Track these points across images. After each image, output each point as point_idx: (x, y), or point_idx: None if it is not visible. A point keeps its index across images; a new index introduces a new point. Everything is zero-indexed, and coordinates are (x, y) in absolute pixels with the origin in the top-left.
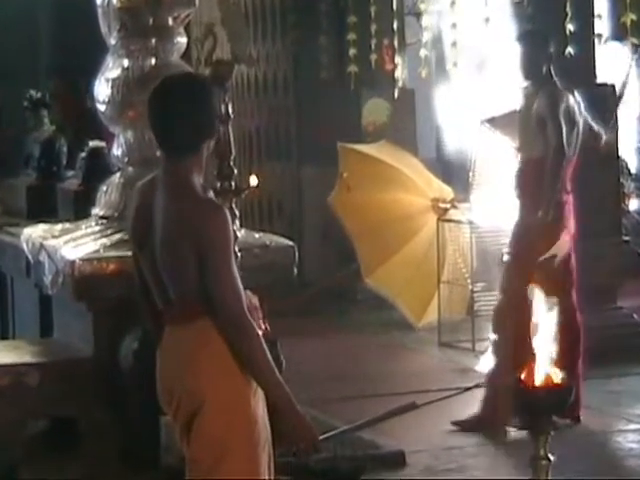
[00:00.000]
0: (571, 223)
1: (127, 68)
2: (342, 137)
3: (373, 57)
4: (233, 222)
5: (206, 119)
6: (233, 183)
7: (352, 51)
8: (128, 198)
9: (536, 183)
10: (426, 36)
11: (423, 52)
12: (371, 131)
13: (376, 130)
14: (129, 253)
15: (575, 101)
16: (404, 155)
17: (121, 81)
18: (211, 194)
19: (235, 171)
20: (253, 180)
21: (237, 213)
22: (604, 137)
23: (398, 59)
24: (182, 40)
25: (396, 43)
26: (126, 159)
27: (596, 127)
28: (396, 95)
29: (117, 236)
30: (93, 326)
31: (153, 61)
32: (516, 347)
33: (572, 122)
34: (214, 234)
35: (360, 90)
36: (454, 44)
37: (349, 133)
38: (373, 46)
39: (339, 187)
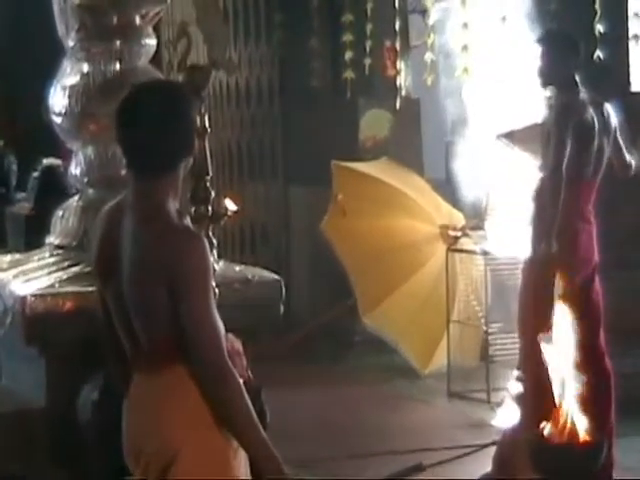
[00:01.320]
0: (591, 256)
1: (87, 74)
2: (336, 154)
3: (372, 62)
4: (211, 253)
5: (183, 134)
6: (210, 208)
7: (348, 55)
8: (88, 225)
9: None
10: (433, 37)
11: (429, 56)
12: (370, 147)
13: (376, 146)
14: (89, 288)
15: (602, 114)
16: (408, 175)
17: (80, 89)
18: (188, 221)
19: (212, 193)
20: (232, 204)
21: (215, 242)
22: (634, 165)
23: (401, 64)
24: (151, 42)
25: (398, 45)
26: (86, 179)
27: (627, 155)
28: (399, 105)
29: (75, 269)
30: (46, 373)
31: (117, 66)
32: (537, 397)
33: (589, 139)
34: (190, 268)
35: (357, 100)
36: (465, 47)
37: (344, 149)
38: (372, 49)
39: (333, 211)
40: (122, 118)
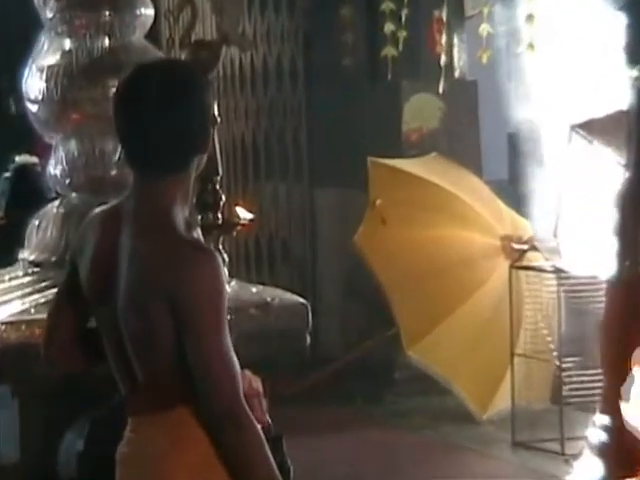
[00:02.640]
0: None
1: (69, 52)
2: (374, 149)
3: (417, 35)
4: None
5: (197, 124)
6: (219, 215)
7: (388, 27)
8: (71, 236)
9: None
10: (490, 4)
11: (485, 28)
12: (415, 140)
13: (423, 139)
14: None
15: None
16: (463, 175)
17: (61, 70)
18: (198, 233)
19: (222, 198)
20: (246, 211)
21: (226, 258)
22: None
23: (453, 38)
24: (147, 12)
25: (450, 15)
26: (68, 180)
27: None
28: (451, 90)
29: (54, 290)
30: (20, 417)
31: (106, 41)
32: (625, 448)
33: None
34: (201, 291)
35: (400, 82)
36: (530, 16)
37: (384, 143)
38: (418, 20)
39: (369, 220)
40: (121, 104)
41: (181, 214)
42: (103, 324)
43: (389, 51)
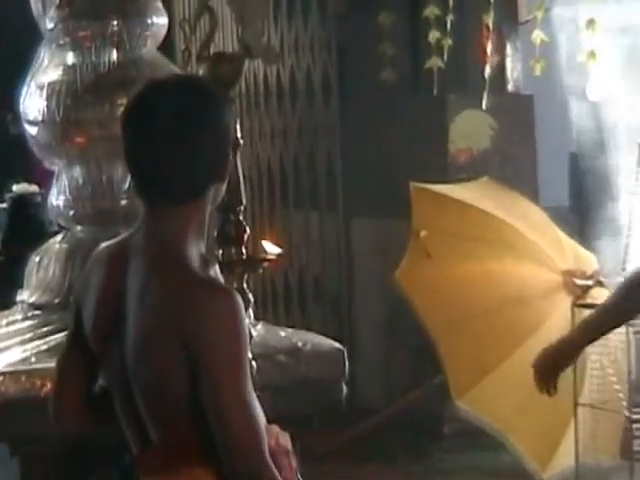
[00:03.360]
0: None
1: (72, 66)
2: (417, 172)
3: (466, 45)
4: (246, 314)
5: (215, 147)
6: (243, 250)
7: (433, 35)
8: (75, 275)
9: None
10: (544, 8)
11: (539, 35)
12: (464, 163)
13: (472, 161)
14: None
15: None
16: (517, 201)
17: (63, 87)
18: (216, 271)
19: (247, 231)
20: (274, 245)
21: (251, 298)
22: None
23: (507, 47)
24: (160, 21)
25: (497, 21)
26: (72, 212)
27: None
28: (504, 105)
29: (58, 336)
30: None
31: (114, 54)
32: None
33: None
34: (219, 336)
35: (446, 97)
36: (591, 22)
37: (428, 166)
38: (466, 27)
39: (412, 253)
40: (129, 125)
41: (196, 249)
42: (110, 376)
43: (434, 62)
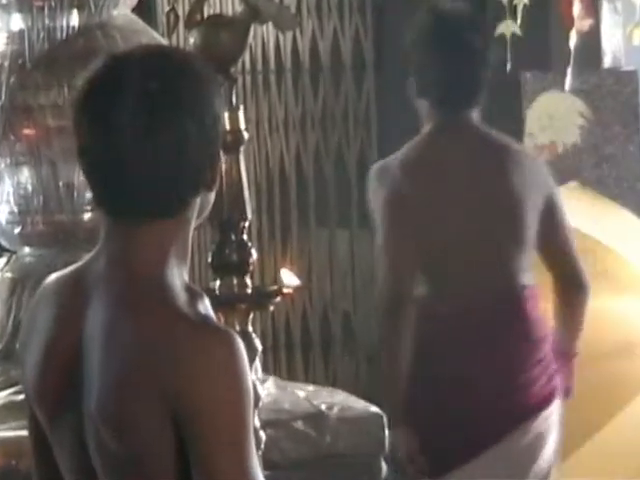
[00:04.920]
0: None
1: (19, 34)
2: None
3: (546, 6)
4: (251, 366)
5: (202, 147)
6: (248, 281)
7: None
8: (23, 311)
9: None
10: None
11: None
12: (546, 163)
13: (556, 160)
14: (22, 432)
15: None
16: (617, 215)
17: (6, 62)
18: (206, 306)
19: (253, 255)
20: (291, 275)
21: (259, 345)
22: None
23: (600, 10)
24: None
25: None
26: (18, 229)
27: None
28: (599, 85)
29: (1, 395)
30: None
31: (75, 18)
32: None
33: None
34: (214, 394)
35: (521, 76)
36: None
37: None
38: None
39: None
40: (85, 117)
41: (178, 277)
42: (63, 449)
43: (507, 27)
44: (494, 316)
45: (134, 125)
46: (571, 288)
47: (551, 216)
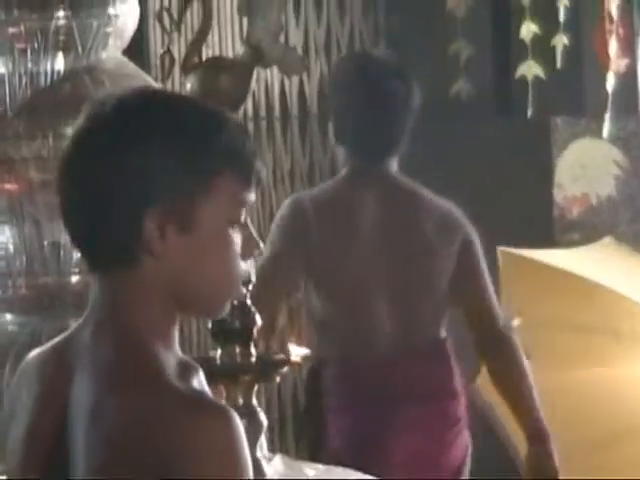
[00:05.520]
0: None
1: (0, 80)
2: (507, 232)
3: (576, 43)
4: (256, 443)
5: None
6: (252, 349)
7: (528, 27)
8: (5, 388)
9: None
10: None
11: None
12: (577, 217)
13: (589, 214)
14: None
15: None
16: None
17: None
18: (202, 381)
19: (258, 319)
20: (300, 345)
21: (264, 420)
22: None
23: (638, 49)
24: (127, 11)
25: (619, 8)
26: None
27: None
28: (636, 133)
29: None
30: None
31: (60, 61)
32: None
33: None
34: (208, 476)
35: (549, 121)
36: None
37: (524, 221)
38: (576, 20)
39: None
40: (69, 168)
41: (169, 346)
42: None
43: (530, 69)
44: (407, 371)
45: (121, 181)
46: (492, 341)
47: (465, 263)
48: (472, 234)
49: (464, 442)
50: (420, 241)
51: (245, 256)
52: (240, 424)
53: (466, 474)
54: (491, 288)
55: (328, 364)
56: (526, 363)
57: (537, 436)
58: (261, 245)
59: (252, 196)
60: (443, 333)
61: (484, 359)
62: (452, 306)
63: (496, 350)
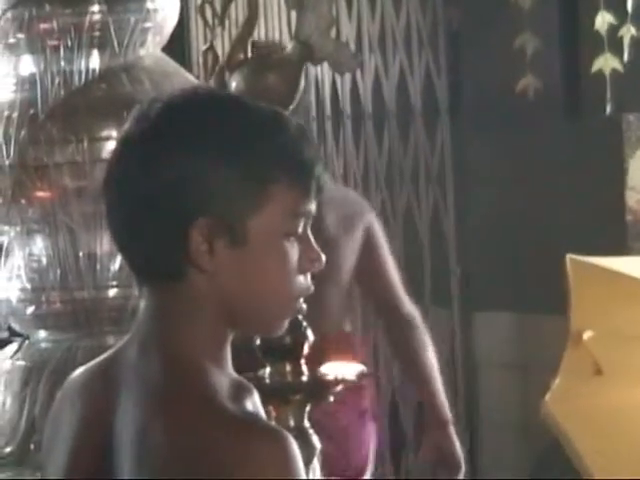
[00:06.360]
0: None
1: (30, 78)
2: (576, 239)
3: None
4: (308, 468)
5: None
6: (305, 367)
7: (603, 18)
8: (39, 409)
9: None
10: None
11: None
12: None
13: None
14: None
15: None
16: None
17: (15, 112)
18: (256, 403)
19: (310, 336)
20: (351, 362)
21: (317, 443)
22: None
23: None
24: (167, 6)
25: None
26: (31, 309)
27: None
28: None
29: None
30: None
31: (96, 59)
32: None
33: None
34: None
35: (622, 119)
36: None
37: (594, 226)
38: None
39: (570, 368)
40: (118, 179)
41: (222, 366)
42: None
43: (605, 62)
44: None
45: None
46: (397, 324)
47: (369, 249)
48: (373, 221)
49: (368, 433)
50: (322, 231)
51: (304, 270)
52: (297, 448)
53: (371, 462)
54: (395, 273)
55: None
56: (431, 349)
57: (437, 422)
58: (322, 257)
59: (313, 206)
60: (348, 326)
61: (391, 345)
62: (362, 297)
63: (402, 336)
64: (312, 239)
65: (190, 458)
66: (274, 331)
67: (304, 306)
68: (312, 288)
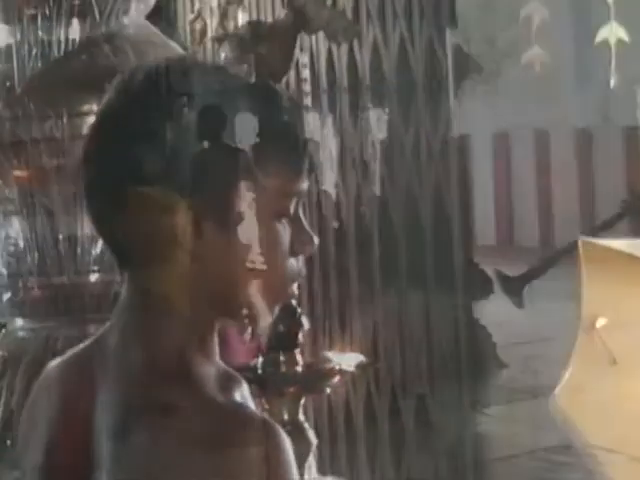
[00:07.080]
0: None
1: (7, 49)
2: (591, 223)
3: None
4: (304, 464)
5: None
6: (300, 358)
7: None
8: (15, 401)
9: None
10: None
11: None
12: None
13: None
14: None
15: None
16: None
17: None
18: (245, 394)
19: (305, 324)
20: (348, 352)
21: (313, 438)
22: None
23: None
24: None
25: None
26: (7, 295)
27: None
28: None
29: None
30: None
31: (76, 27)
32: None
33: None
34: None
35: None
36: None
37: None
38: None
39: (582, 357)
40: (97, 154)
41: (206, 353)
42: None
43: (610, 32)
44: None
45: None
46: None
47: None
48: None
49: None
50: None
51: (296, 252)
52: (288, 441)
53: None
54: None
55: None
56: None
57: None
58: (315, 239)
59: (304, 185)
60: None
61: None
62: None
63: None
64: (304, 221)
65: (173, 449)
66: (263, 320)
67: (297, 291)
68: (304, 272)
